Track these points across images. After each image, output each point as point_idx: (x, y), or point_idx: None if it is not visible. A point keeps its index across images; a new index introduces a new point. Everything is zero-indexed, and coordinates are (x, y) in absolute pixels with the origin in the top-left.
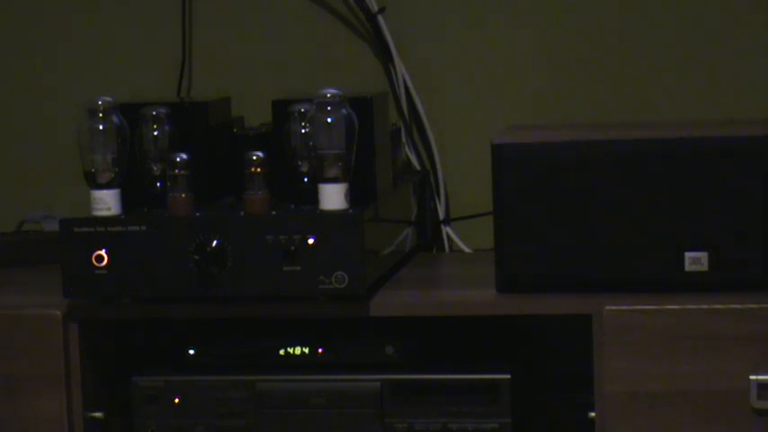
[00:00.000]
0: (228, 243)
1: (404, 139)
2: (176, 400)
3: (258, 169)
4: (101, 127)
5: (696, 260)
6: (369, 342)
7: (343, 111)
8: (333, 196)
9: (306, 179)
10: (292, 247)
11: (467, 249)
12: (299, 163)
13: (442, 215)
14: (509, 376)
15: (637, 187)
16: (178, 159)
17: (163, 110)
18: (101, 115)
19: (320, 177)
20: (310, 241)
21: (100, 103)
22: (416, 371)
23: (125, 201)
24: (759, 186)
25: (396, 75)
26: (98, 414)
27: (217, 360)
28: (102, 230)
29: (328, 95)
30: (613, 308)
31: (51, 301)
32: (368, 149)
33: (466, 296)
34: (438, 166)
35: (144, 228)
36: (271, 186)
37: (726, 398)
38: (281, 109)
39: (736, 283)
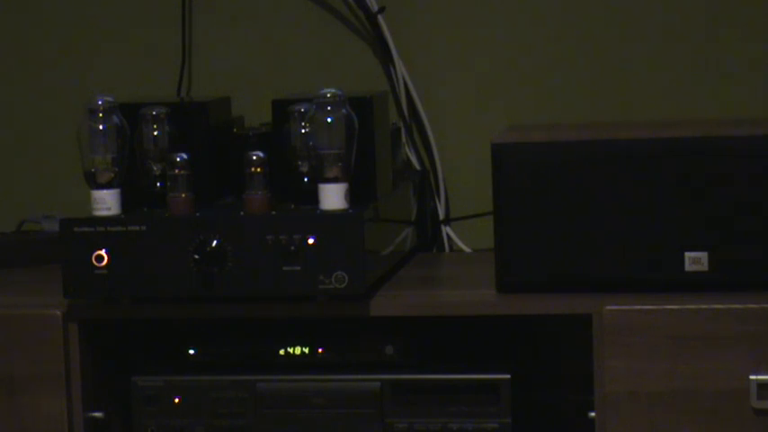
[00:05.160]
0: (228, 243)
1: (404, 139)
2: (176, 400)
3: (258, 169)
4: (101, 127)
5: (696, 260)
6: (369, 342)
7: (344, 111)
8: (333, 196)
9: (306, 179)
10: (292, 247)
11: (467, 249)
12: (299, 163)
13: (442, 215)
14: (509, 376)
15: (637, 187)
16: (178, 159)
17: (163, 110)
18: (101, 115)
19: (320, 177)
20: (310, 241)
21: (100, 103)
22: (416, 371)
23: (125, 201)
24: (759, 186)
25: (396, 75)
26: (98, 414)
27: (217, 360)
28: (102, 230)
29: (328, 95)
30: (613, 308)
31: (51, 301)
32: (368, 149)
33: (466, 296)
34: (438, 165)
35: (144, 228)
36: (271, 186)
37: (726, 398)
38: (281, 109)
39: (736, 283)
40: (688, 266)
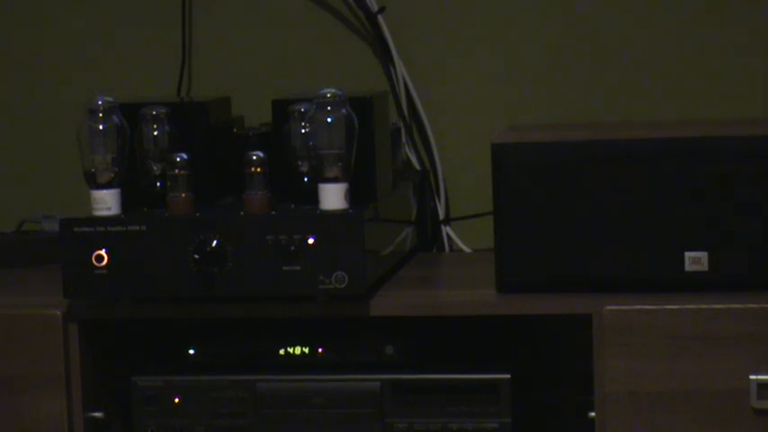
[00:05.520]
0: (228, 243)
1: (404, 139)
2: (176, 400)
3: (258, 169)
4: (101, 127)
5: (696, 260)
6: (369, 342)
7: (344, 111)
8: (333, 196)
9: (306, 179)
10: (292, 247)
11: (467, 249)
12: (299, 163)
13: (442, 215)
14: (509, 376)
15: (637, 187)
16: (178, 159)
17: (163, 110)
18: (101, 115)
19: (320, 177)
20: (310, 241)
21: (100, 103)
22: (416, 371)
23: (125, 201)
24: (759, 186)
25: (396, 75)
26: (98, 414)
27: (217, 360)
28: (102, 230)
29: (328, 95)
30: (613, 308)
31: (51, 301)
32: (368, 149)
33: (466, 296)
34: (438, 165)
35: (144, 228)
36: (271, 186)
37: (726, 398)
38: (281, 109)
39: (736, 283)
40: (688, 266)
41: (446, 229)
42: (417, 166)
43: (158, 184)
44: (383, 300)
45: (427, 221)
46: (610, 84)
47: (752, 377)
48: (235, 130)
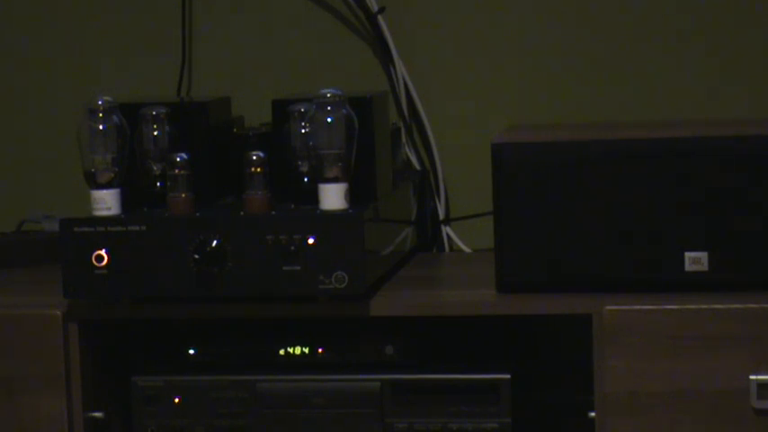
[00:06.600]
0: (228, 243)
1: (404, 139)
2: (176, 400)
3: (258, 169)
4: (101, 127)
5: (696, 260)
6: (369, 342)
7: (344, 111)
8: (333, 196)
9: (306, 179)
10: (292, 247)
11: (467, 249)
12: (299, 163)
13: (441, 215)
14: (509, 376)
15: (637, 187)
16: (178, 159)
17: (163, 110)
18: (101, 115)
19: (320, 177)
20: (310, 241)
21: (100, 103)
22: (416, 371)
23: (125, 201)
24: (759, 186)
25: (396, 75)
26: (98, 414)
27: (217, 360)
28: (102, 230)
29: (328, 95)
30: (613, 308)
31: (51, 301)
32: (368, 149)
33: (466, 296)
34: (438, 166)
35: (144, 228)
36: (271, 186)
37: (726, 398)
38: (281, 109)
39: (736, 283)
40: (688, 266)
41: (446, 229)
42: (417, 166)
43: (158, 184)
44: (383, 300)
45: (427, 221)
46: (610, 84)
47: (752, 377)
48: (235, 130)
